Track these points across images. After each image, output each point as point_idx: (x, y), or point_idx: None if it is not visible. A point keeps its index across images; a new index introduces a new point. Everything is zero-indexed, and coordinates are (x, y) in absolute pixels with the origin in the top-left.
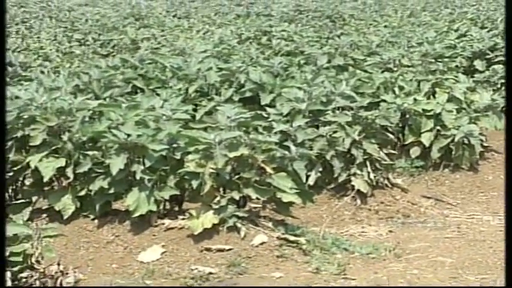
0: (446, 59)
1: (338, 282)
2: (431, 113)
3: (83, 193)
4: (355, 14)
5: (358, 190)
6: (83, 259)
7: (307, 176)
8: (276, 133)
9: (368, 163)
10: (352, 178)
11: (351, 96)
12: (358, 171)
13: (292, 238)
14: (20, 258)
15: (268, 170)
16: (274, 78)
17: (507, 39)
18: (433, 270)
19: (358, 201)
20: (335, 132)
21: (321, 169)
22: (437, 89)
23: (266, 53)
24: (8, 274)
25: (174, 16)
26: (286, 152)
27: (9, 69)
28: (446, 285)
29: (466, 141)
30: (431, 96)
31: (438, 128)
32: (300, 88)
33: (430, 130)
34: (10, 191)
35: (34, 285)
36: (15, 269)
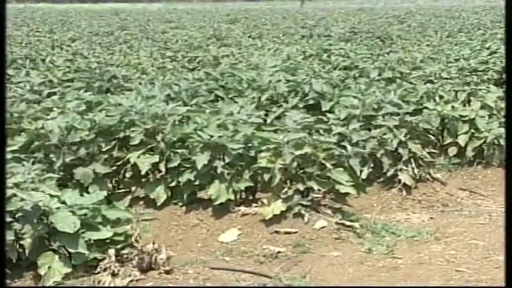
0: (479, 73)
1: (387, 261)
2: (467, 118)
3: (173, 184)
4: (401, 35)
5: (404, 183)
6: (173, 239)
7: (361, 171)
8: (334, 134)
9: (412, 160)
10: (399, 173)
11: (398, 103)
12: (404, 167)
13: (347, 223)
14: (122, 238)
15: (328, 165)
16: (333, 88)
17: (507, 39)
18: (467, 252)
19: (404, 193)
20: (384, 134)
21: (372, 165)
22: (472, 98)
23: (326, 67)
24: (112, 251)
25: (249, 37)
26: (343, 151)
27: (114, 81)
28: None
29: (496, 142)
30: (467, 104)
31: (472, 131)
32: (355, 97)
33: (466, 133)
34: (113, 182)
35: (134, 260)
36: (118, 246)
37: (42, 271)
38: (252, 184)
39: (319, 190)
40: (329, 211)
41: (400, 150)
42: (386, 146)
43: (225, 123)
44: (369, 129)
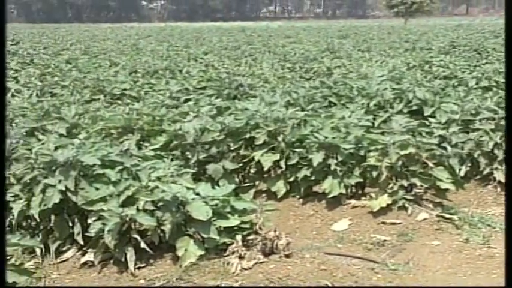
0: None
1: (483, 250)
2: None
3: (291, 179)
4: (497, 48)
5: (499, 180)
6: (291, 228)
7: (460, 169)
8: (436, 137)
9: None
10: (494, 171)
11: (494, 109)
12: (499, 166)
13: (447, 216)
14: (247, 226)
15: (430, 164)
16: (434, 96)
17: (507, 39)
18: None
19: (499, 189)
20: (481, 136)
21: (470, 164)
22: None
23: (428, 77)
24: (239, 237)
25: (358, 50)
26: (444, 151)
27: (240, 88)
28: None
29: None
30: None
31: None
32: (454, 103)
33: None
34: (240, 177)
35: (258, 245)
36: (245, 233)
37: (179, 253)
38: (361, 180)
39: (421, 186)
40: (430, 205)
41: (496, 151)
42: (483, 147)
43: (338, 126)
44: (467, 132)
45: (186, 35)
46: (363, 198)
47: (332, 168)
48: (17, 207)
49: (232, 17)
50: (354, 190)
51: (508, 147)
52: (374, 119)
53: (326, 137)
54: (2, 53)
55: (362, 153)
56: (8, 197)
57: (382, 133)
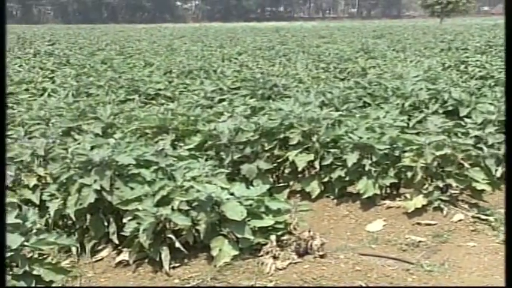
0: None
1: None
2: None
3: (326, 179)
4: None
5: None
6: (326, 228)
7: (496, 170)
8: (471, 137)
9: None
10: None
11: None
12: None
13: (483, 217)
14: (282, 226)
15: (466, 165)
16: (470, 96)
17: (507, 39)
18: None
19: None
20: None
21: None
22: None
23: (464, 77)
24: (274, 237)
25: (393, 50)
26: (480, 152)
27: (274, 89)
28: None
29: None
30: None
31: None
32: (491, 103)
33: None
34: (274, 177)
35: (292, 245)
36: (279, 233)
37: (214, 253)
38: (396, 180)
39: (457, 187)
40: (466, 206)
41: None
42: None
43: (373, 127)
44: (504, 133)
45: (220, 35)
46: (398, 198)
47: (367, 168)
48: (53, 206)
49: (266, 17)
50: (388, 191)
51: (508, 147)
52: (409, 119)
53: (361, 138)
54: (2, 52)
55: (397, 153)
56: (45, 196)
57: (417, 133)
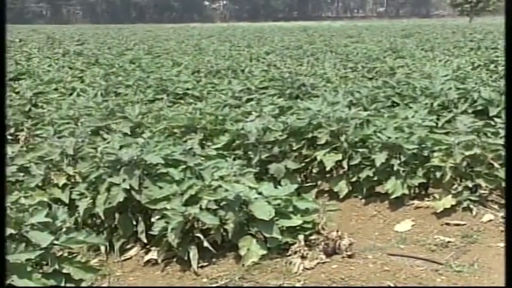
0: None
1: None
2: None
3: (354, 179)
4: None
5: None
6: (354, 228)
7: None
8: (501, 137)
9: None
10: None
11: None
12: None
13: None
14: (310, 225)
15: (496, 165)
16: (500, 95)
17: (507, 39)
18: None
19: None
20: None
21: None
22: None
23: (493, 76)
24: (302, 236)
25: (421, 49)
26: None
27: (302, 88)
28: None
29: None
30: None
31: None
32: None
33: None
34: (302, 176)
35: (320, 245)
36: (307, 233)
37: (242, 252)
38: (424, 180)
39: (486, 187)
40: (496, 206)
41: None
42: None
43: (401, 126)
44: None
45: (248, 35)
46: (427, 199)
47: (395, 168)
48: (82, 205)
49: (294, 16)
50: (417, 191)
51: (508, 147)
52: (438, 119)
53: (389, 137)
54: (2, 52)
55: (426, 153)
56: (74, 195)
57: (447, 133)
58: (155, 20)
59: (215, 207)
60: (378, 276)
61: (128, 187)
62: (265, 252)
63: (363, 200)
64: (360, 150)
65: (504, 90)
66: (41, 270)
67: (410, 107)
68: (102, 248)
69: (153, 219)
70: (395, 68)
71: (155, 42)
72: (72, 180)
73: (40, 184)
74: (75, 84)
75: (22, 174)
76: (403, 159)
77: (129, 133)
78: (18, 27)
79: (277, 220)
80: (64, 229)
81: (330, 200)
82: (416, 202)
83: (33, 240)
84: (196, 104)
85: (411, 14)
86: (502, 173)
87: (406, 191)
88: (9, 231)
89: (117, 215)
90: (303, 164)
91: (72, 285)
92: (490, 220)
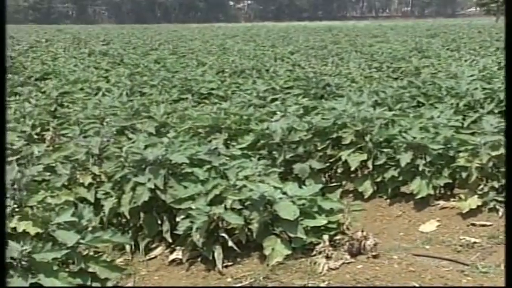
0: None
1: None
2: None
3: (378, 179)
4: None
5: None
6: (378, 228)
7: None
8: None
9: None
10: None
11: None
12: None
13: None
14: (334, 226)
15: None
16: None
17: (507, 39)
18: None
19: None
20: None
21: None
22: None
23: None
24: (326, 236)
25: (447, 49)
26: None
27: (327, 88)
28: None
29: None
30: None
31: None
32: None
33: None
34: (327, 176)
35: (345, 245)
36: (332, 233)
37: (266, 252)
38: (450, 181)
39: None
40: None
41: None
42: None
43: (427, 126)
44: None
45: (273, 34)
46: (452, 199)
47: (420, 168)
48: (108, 204)
49: (318, 16)
50: (442, 191)
51: (508, 147)
52: (464, 119)
53: (414, 137)
54: (2, 52)
55: (451, 153)
56: (99, 194)
57: (472, 134)
58: (180, 20)
59: (240, 207)
60: (403, 276)
61: (153, 186)
62: (289, 252)
63: (388, 200)
64: (385, 150)
65: (505, 91)
66: (67, 269)
67: (436, 107)
68: (127, 247)
69: (178, 219)
70: (421, 68)
71: (180, 42)
72: (98, 179)
73: (66, 183)
74: (100, 84)
75: (48, 173)
76: (428, 159)
77: (154, 133)
78: (45, 27)
79: (301, 220)
80: (90, 228)
81: (354, 200)
82: (441, 202)
83: (59, 239)
84: (221, 103)
85: (437, 13)
86: None
87: (432, 192)
88: (36, 230)
89: (142, 215)
90: (328, 164)
91: (98, 284)
92: None
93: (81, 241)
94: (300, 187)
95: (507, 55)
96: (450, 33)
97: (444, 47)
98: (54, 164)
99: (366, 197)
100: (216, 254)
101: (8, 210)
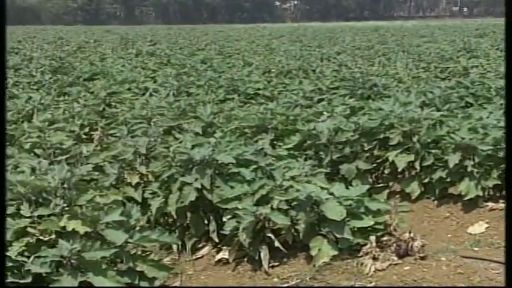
0: None
1: None
2: None
3: (426, 180)
4: None
5: None
6: (426, 229)
7: None
8: None
9: None
10: None
11: None
12: None
13: None
14: (381, 227)
15: None
16: None
17: (507, 39)
18: None
19: None
20: None
21: None
22: None
23: None
24: (373, 237)
25: (496, 49)
26: None
27: (374, 88)
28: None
29: None
30: None
31: None
32: None
33: None
34: (373, 177)
35: (392, 246)
36: (378, 234)
37: (313, 252)
38: (499, 182)
39: None
40: None
41: None
42: None
43: (475, 127)
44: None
45: (319, 35)
46: (501, 200)
47: (469, 169)
48: (155, 204)
49: (365, 16)
50: (491, 192)
51: (508, 147)
52: None
53: (463, 138)
54: (2, 52)
55: (501, 154)
56: (147, 193)
57: None
58: (226, 21)
59: (286, 207)
60: (451, 278)
61: (200, 186)
62: (336, 252)
63: (435, 202)
64: (433, 151)
65: (505, 91)
66: (115, 268)
67: (485, 108)
68: (174, 247)
69: (224, 219)
70: (469, 68)
71: (226, 42)
72: (145, 179)
73: (114, 183)
74: (147, 84)
75: (97, 173)
76: (477, 160)
77: (201, 133)
78: (93, 28)
79: (348, 221)
80: (137, 228)
81: (401, 201)
82: (490, 204)
83: (108, 238)
84: (267, 104)
85: (486, 13)
86: None
87: (480, 193)
88: (85, 229)
89: (189, 214)
90: (375, 165)
91: (146, 283)
92: None
93: (129, 240)
94: (347, 188)
95: (507, 55)
96: (499, 33)
97: (493, 47)
98: (102, 164)
99: (413, 198)
100: (262, 254)
101: (58, 209)
